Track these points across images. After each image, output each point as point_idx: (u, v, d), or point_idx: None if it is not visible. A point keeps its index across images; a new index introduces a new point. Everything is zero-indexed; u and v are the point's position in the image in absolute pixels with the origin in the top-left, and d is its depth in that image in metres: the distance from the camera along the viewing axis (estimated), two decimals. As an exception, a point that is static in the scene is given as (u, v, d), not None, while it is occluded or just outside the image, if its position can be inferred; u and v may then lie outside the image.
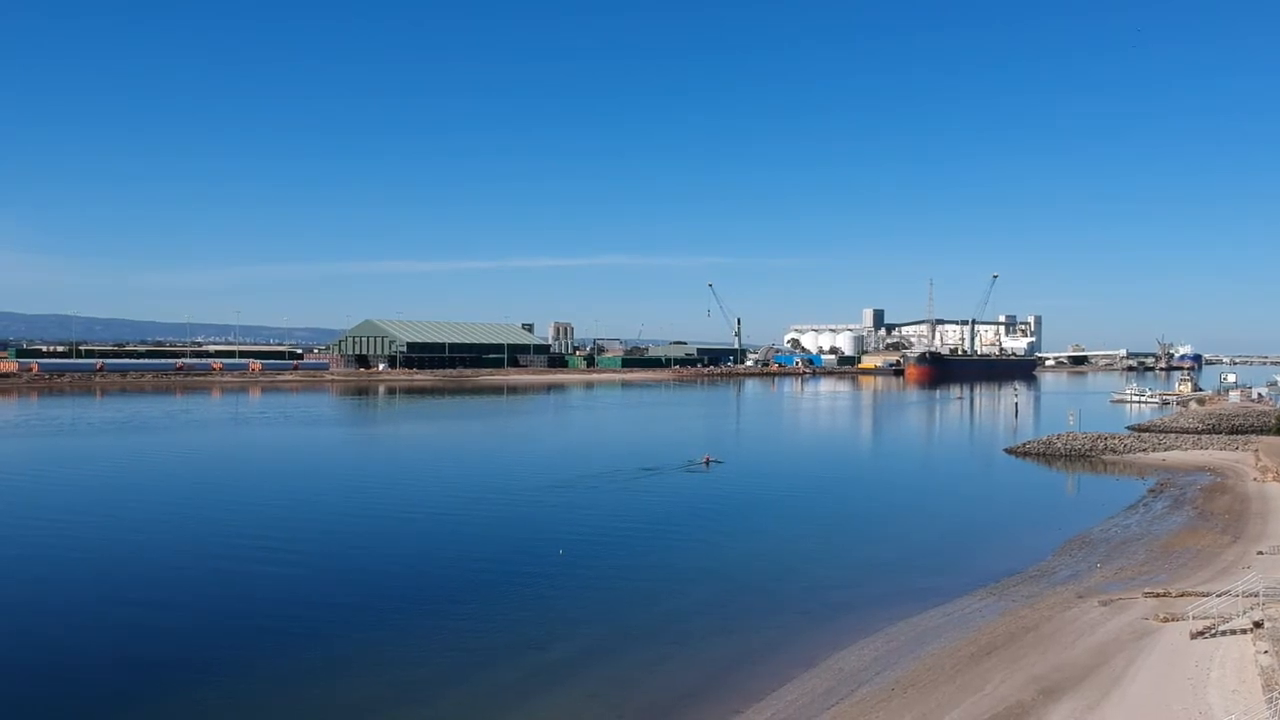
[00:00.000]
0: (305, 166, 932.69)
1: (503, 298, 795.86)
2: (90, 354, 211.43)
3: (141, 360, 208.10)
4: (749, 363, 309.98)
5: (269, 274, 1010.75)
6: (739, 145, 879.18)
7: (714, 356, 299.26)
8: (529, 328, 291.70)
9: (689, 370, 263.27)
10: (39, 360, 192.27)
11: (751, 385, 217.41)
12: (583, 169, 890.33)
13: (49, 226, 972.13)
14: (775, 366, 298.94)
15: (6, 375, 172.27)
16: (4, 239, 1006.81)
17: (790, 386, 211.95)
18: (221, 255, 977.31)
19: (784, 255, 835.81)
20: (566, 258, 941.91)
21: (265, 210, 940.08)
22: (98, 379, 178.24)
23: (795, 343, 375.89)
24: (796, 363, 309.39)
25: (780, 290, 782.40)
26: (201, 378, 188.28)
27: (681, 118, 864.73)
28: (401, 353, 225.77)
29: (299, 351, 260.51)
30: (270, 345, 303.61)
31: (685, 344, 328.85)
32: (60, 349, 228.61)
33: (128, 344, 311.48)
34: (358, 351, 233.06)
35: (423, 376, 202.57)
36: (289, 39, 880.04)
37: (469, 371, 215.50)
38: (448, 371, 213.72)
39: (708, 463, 63.16)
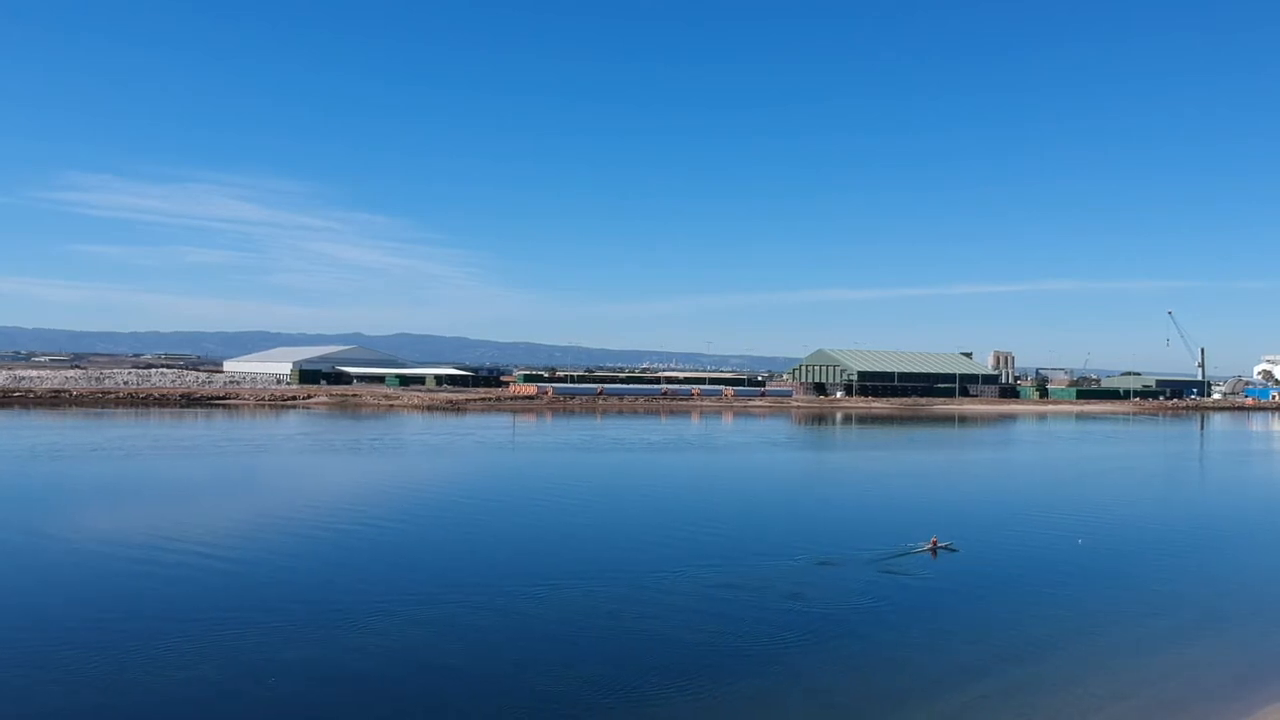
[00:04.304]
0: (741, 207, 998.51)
1: (936, 325, 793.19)
2: (593, 379, 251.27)
3: (632, 386, 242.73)
4: (1216, 395, 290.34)
5: (695, 304, 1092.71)
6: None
7: (1176, 389, 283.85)
8: (968, 356, 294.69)
9: (1150, 403, 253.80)
10: (553, 385, 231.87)
11: (1220, 420, 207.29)
12: (1020, 184, 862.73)
13: (519, 262, 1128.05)
14: (1250, 401, 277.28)
15: (531, 397, 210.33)
16: (484, 276, 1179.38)
17: (1269, 423, 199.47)
18: (662, 290, 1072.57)
19: (1253, 276, 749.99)
20: (1005, 283, 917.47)
21: (696, 253, 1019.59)
22: (600, 401, 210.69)
23: (1268, 374, 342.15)
24: (1273, 396, 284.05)
25: (1249, 316, 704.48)
26: (683, 402, 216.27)
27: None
28: (853, 381, 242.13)
29: (762, 379, 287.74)
30: (724, 373, 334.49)
31: (1139, 374, 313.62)
32: (576, 374, 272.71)
33: (595, 369, 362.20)
34: (813, 379, 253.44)
35: (880, 404, 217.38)
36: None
37: (923, 400, 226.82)
38: (903, 400, 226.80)
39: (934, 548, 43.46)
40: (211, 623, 29.77)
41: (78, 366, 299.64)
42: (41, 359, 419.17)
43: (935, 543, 43.77)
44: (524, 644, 28.69)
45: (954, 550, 43.25)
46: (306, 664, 26.24)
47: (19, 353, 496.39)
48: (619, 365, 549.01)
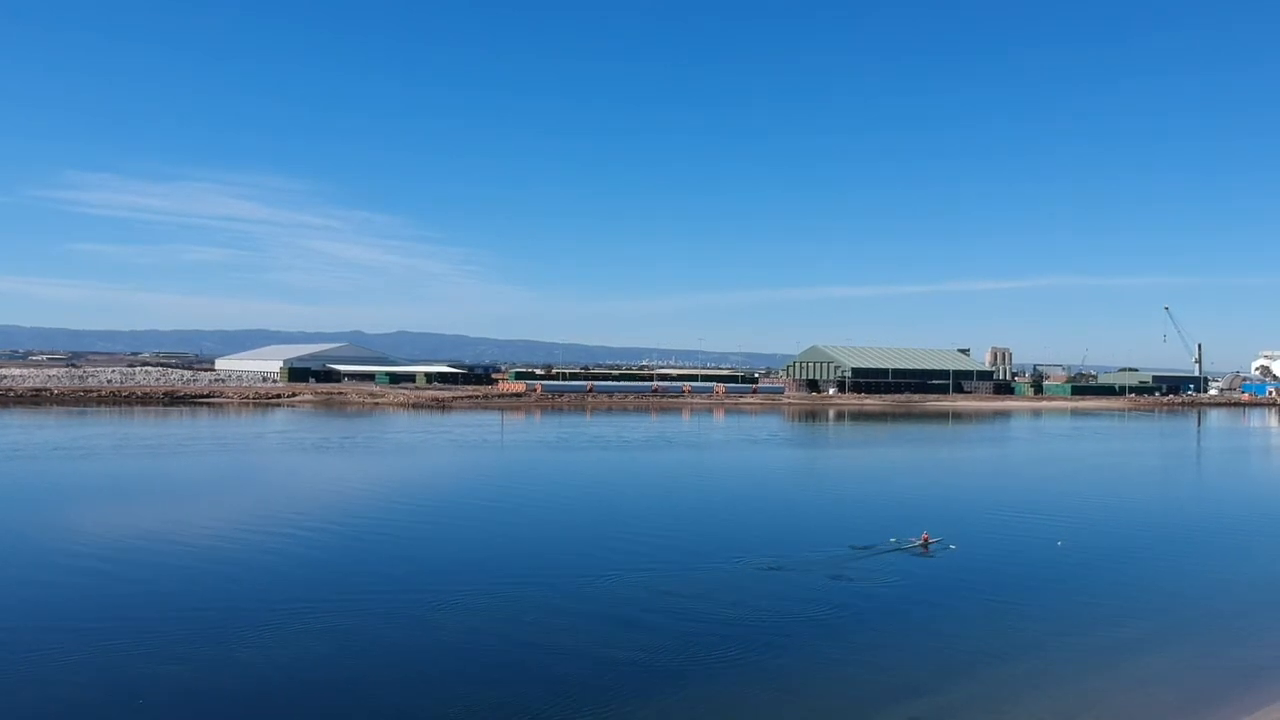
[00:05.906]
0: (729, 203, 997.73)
1: (936, 322, 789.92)
2: (587, 376, 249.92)
3: (623, 383, 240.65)
4: (1212, 391, 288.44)
5: (695, 301, 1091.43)
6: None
7: (1172, 385, 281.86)
8: (965, 352, 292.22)
9: (1146, 399, 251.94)
10: (542, 382, 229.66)
11: (1216, 416, 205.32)
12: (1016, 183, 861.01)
13: (518, 260, 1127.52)
14: (1247, 397, 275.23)
15: (518, 394, 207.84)
16: (483, 274, 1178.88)
17: (1264, 419, 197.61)
18: (661, 287, 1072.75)
19: (1252, 273, 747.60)
20: (1004, 280, 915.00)
21: (696, 251, 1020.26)
22: (589, 399, 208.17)
23: (1265, 370, 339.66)
24: (1270, 392, 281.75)
25: (1247, 313, 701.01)
26: (674, 399, 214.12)
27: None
28: (847, 378, 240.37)
29: (755, 376, 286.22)
30: (722, 370, 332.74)
31: (1136, 371, 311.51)
32: (570, 371, 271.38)
33: (593, 367, 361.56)
34: (807, 376, 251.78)
35: (872, 401, 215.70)
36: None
37: (916, 397, 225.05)
38: (896, 397, 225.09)
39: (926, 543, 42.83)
40: (95, 633, 27.93)
41: (73, 365, 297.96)
42: (40, 358, 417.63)
43: (926, 538, 42.86)
44: (456, 654, 26.98)
45: (931, 555, 41.57)
46: (186, 678, 24.33)
47: (16, 351, 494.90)
48: (617, 362, 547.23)
